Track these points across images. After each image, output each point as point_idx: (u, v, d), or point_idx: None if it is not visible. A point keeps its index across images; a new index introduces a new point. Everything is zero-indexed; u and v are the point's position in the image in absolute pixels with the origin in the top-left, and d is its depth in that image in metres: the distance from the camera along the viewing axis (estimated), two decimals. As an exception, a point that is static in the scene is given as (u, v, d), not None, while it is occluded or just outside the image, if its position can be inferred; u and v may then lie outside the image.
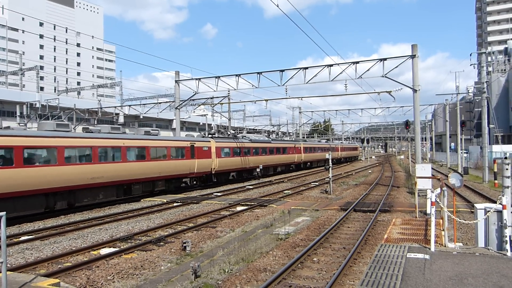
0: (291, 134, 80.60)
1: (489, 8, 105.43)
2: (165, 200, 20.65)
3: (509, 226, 8.15)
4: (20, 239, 12.40)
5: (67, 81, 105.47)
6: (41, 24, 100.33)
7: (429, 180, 16.33)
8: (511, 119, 64.23)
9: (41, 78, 77.03)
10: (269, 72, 28.10)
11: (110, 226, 14.29)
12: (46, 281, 7.12)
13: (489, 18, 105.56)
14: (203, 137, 29.75)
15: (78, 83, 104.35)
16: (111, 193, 19.49)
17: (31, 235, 13.02)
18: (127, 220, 15.60)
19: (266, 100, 35.02)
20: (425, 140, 79.56)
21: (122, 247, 11.24)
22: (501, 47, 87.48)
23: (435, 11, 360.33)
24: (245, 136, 35.01)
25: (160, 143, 22.98)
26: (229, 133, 37.33)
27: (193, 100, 34.08)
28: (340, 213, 16.22)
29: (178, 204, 19.69)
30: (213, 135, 31.66)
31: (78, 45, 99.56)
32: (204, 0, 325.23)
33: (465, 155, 45.03)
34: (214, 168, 27.99)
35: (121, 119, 51.57)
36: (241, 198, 21.51)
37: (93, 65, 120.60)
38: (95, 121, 50.30)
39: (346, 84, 27.27)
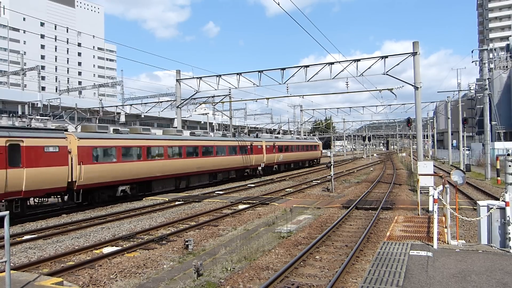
0: (292, 132, 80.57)
1: (490, 5, 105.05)
2: (167, 199, 20.69)
3: (512, 223, 8.12)
4: (23, 238, 12.43)
5: (68, 80, 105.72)
6: (42, 24, 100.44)
7: (431, 177, 16.32)
8: (513, 116, 64.01)
9: (43, 78, 76.97)
10: (270, 70, 28.09)
11: (113, 225, 14.32)
12: (49, 280, 7.12)
13: (491, 15, 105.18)
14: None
15: (79, 83, 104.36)
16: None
17: (34, 234, 13.05)
18: (129, 219, 15.63)
19: (268, 99, 34.99)
20: (427, 138, 79.45)
21: (124, 246, 11.26)
22: (503, 44, 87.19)
23: (438, 7, 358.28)
24: None
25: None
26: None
27: (194, 99, 34.14)
28: (342, 211, 16.21)
29: (180, 202, 19.71)
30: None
31: (79, 44, 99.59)
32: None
33: (467, 152, 44.91)
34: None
35: (123, 118, 51.54)
36: (243, 196, 21.52)
37: (94, 65, 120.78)
38: (97, 120, 50.34)
39: (347, 82, 27.23)
